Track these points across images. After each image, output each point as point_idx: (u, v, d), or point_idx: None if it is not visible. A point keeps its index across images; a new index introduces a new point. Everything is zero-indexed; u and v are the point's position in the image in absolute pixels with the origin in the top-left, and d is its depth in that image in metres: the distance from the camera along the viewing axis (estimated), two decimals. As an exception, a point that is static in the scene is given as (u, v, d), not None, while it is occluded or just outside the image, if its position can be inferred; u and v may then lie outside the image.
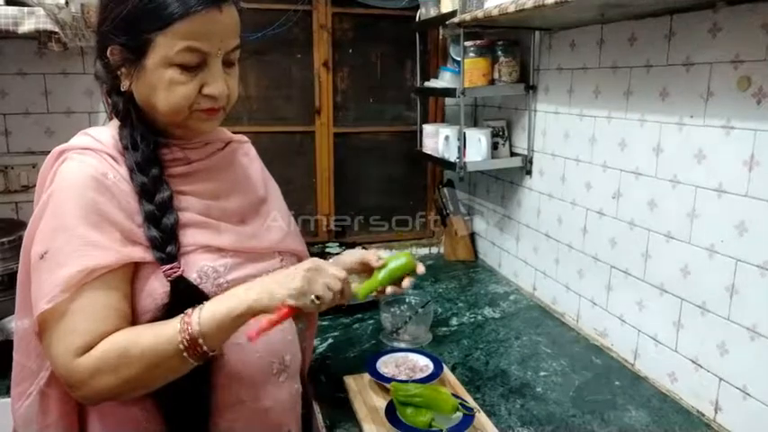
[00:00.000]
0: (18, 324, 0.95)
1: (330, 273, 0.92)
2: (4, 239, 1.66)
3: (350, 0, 2.26)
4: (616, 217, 1.57)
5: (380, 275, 1.08)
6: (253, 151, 1.19)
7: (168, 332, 0.85)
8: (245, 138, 1.18)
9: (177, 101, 0.90)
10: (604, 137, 1.60)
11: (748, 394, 1.20)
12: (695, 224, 1.31)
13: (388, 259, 1.10)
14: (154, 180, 0.93)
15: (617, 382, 1.45)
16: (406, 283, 1.09)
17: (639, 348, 1.51)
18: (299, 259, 1.18)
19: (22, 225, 1.77)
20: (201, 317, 0.85)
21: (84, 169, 0.89)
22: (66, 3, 1.55)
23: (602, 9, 1.38)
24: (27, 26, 1.43)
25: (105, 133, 0.96)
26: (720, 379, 1.27)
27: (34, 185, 1.95)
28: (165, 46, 0.87)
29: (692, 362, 1.34)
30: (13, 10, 1.42)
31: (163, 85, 0.89)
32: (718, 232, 1.25)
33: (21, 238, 1.67)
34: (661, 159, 1.40)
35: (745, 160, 1.17)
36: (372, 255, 1.12)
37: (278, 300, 0.87)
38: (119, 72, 0.92)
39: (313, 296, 0.89)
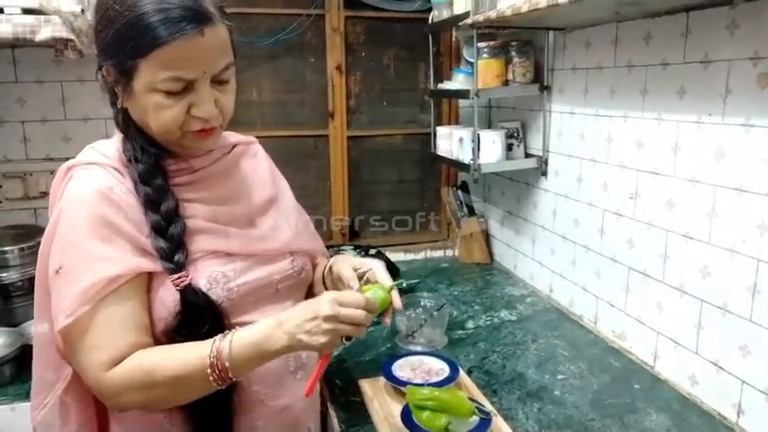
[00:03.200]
0: (37, 329, 0.97)
1: (349, 302, 0.90)
2: (24, 245, 1.68)
3: (362, 4, 2.27)
4: (634, 217, 1.55)
5: None
6: (261, 151, 1.19)
7: (197, 358, 0.87)
8: (252, 138, 1.18)
9: (166, 123, 0.90)
10: (621, 136, 1.58)
11: (772, 397, 1.18)
12: (715, 224, 1.29)
13: (363, 289, 1.01)
14: (158, 190, 0.94)
15: (636, 385, 1.43)
16: (387, 321, 1.03)
17: (659, 351, 1.49)
18: (312, 258, 1.18)
19: (40, 231, 1.77)
20: (232, 351, 0.87)
21: (90, 185, 0.91)
22: (82, 11, 1.56)
23: (617, 7, 1.37)
24: (44, 34, 1.45)
25: (111, 146, 0.98)
26: (743, 381, 1.24)
27: (52, 192, 1.99)
28: (148, 73, 0.86)
29: (714, 364, 1.31)
30: (29, 18, 1.44)
31: (151, 109, 0.89)
32: (738, 232, 1.23)
33: (39, 244, 1.71)
34: (679, 158, 1.38)
35: (766, 158, 1.15)
36: (352, 277, 1.05)
37: (311, 349, 0.90)
38: (116, 89, 0.93)
39: (342, 339, 0.89)
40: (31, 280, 1.65)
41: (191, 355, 0.88)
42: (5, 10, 1.44)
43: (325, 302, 0.89)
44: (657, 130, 1.44)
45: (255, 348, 0.88)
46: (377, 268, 1.06)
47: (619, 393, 1.40)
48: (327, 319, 0.87)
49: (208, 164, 1.02)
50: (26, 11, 1.46)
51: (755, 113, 1.17)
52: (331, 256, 1.20)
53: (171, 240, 0.92)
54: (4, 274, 1.64)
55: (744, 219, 1.21)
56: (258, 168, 1.14)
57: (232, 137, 1.13)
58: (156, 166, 0.95)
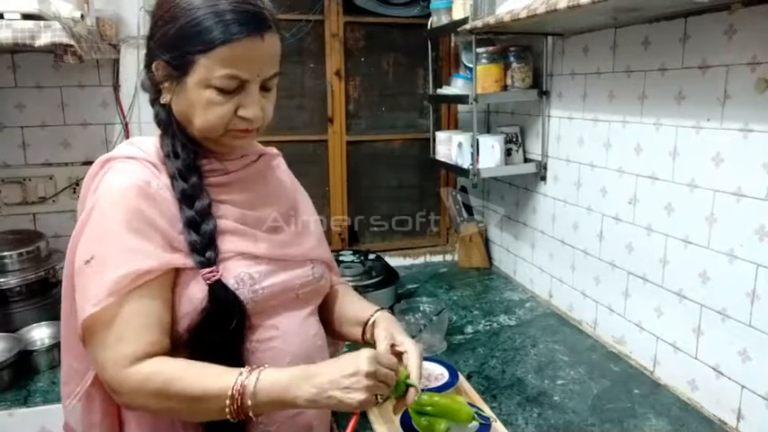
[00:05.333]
0: (64, 326, 0.98)
1: (386, 363, 0.91)
2: (22, 250, 1.68)
3: (362, 9, 2.27)
4: (633, 222, 1.55)
5: None
6: (283, 164, 1.22)
7: (219, 386, 0.86)
8: (275, 150, 1.21)
9: (213, 120, 0.93)
10: (619, 141, 1.58)
11: (772, 402, 1.17)
12: (714, 229, 1.29)
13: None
14: (194, 187, 0.96)
15: (636, 390, 1.43)
16: (379, 399, 0.97)
17: (659, 356, 1.48)
18: (328, 267, 1.19)
19: (39, 236, 1.79)
20: (258, 392, 0.86)
21: (127, 178, 0.92)
22: (82, 16, 1.57)
23: (615, 13, 1.37)
24: (43, 40, 1.45)
25: (148, 142, 1.00)
26: (743, 386, 1.24)
27: (51, 197, 2.00)
28: (206, 68, 0.90)
29: (714, 369, 1.31)
30: (29, 24, 1.44)
31: (201, 104, 0.92)
32: (737, 237, 1.23)
33: (39, 249, 1.72)
34: (678, 163, 1.38)
35: (765, 163, 1.15)
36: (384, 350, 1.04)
37: (344, 406, 0.87)
38: (162, 86, 0.96)
39: (377, 398, 0.89)
40: (30, 285, 1.66)
41: (213, 380, 0.87)
42: (5, 15, 1.44)
43: (364, 359, 0.88)
44: (656, 135, 1.44)
45: (279, 393, 0.87)
46: (413, 355, 1.03)
47: (618, 398, 1.39)
48: (369, 375, 0.87)
49: (240, 168, 1.05)
50: (26, 16, 1.46)
51: (754, 118, 1.17)
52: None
53: (203, 236, 0.94)
54: (3, 280, 1.63)
55: (742, 223, 1.21)
56: (282, 179, 1.18)
57: (258, 146, 1.16)
58: (193, 164, 0.98)
